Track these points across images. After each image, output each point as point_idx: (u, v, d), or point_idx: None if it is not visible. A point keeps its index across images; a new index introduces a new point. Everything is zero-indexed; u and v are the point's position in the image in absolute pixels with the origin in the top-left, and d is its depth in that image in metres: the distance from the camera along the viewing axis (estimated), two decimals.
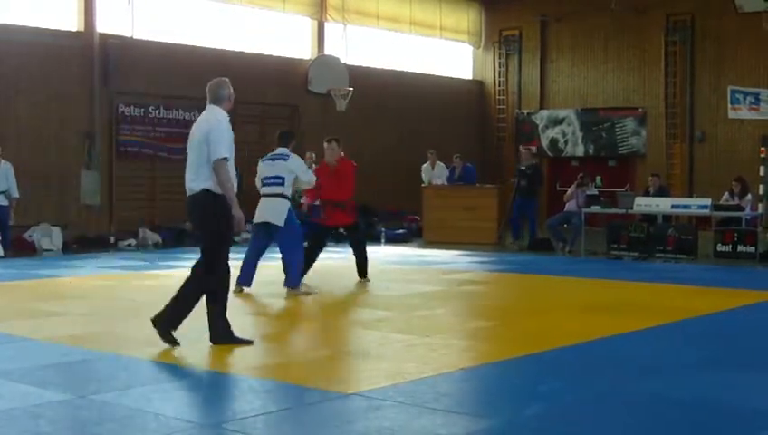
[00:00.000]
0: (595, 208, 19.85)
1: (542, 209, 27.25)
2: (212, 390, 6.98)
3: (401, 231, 22.78)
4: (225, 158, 8.26)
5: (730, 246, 17.84)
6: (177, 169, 21.77)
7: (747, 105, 25.02)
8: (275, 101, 23.68)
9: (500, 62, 29.89)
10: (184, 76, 21.81)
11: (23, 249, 18.50)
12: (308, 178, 12.68)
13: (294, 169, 12.43)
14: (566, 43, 28.79)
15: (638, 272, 15.70)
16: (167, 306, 8.51)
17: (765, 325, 10.60)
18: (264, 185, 12.47)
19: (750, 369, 8.00)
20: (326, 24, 25.52)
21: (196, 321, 9.56)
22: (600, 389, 7.18)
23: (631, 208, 19.10)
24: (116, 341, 8.96)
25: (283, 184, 12.34)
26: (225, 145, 8.29)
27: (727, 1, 25.07)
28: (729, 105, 25.24)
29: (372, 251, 19.47)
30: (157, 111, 21.53)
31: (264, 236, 12.57)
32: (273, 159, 12.52)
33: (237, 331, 8.64)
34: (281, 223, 12.25)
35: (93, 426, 6.01)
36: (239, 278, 12.21)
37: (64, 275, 14.68)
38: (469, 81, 30.33)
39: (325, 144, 13.63)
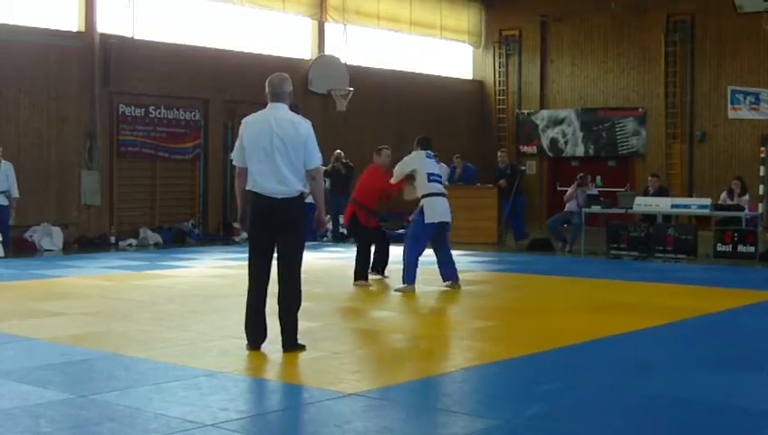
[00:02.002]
0: (595, 208, 19.87)
1: (543, 209, 27.32)
2: (212, 390, 6.99)
3: (402, 231, 22.73)
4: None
5: (730, 245, 17.85)
6: (177, 170, 22.11)
7: (747, 105, 25.05)
8: None
9: (500, 62, 29.88)
10: (184, 76, 21.84)
11: (23, 249, 18.52)
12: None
13: (444, 175, 13.23)
14: (566, 42, 28.79)
15: (638, 272, 15.70)
16: (282, 333, 8.38)
17: (765, 325, 10.61)
18: (433, 181, 12.82)
19: (750, 369, 8.01)
20: (326, 24, 25.52)
21: (195, 322, 9.56)
22: (600, 389, 7.19)
23: (631, 208, 19.12)
24: (116, 341, 8.98)
25: (442, 183, 13.02)
26: (318, 151, 8.43)
27: (727, 1, 25.07)
28: (729, 105, 25.29)
29: (372, 251, 19.51)
30: (157, 111, 21.52)
31: (432, 234, 12.90)
32: (432, 157, 13.06)
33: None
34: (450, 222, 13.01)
35: (94, 426, 6.03)
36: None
37: (65, 275, 14.68)
38: (469, 81, 30.33)
39: (388, 151, 13.95)
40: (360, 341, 9.22)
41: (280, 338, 8.33)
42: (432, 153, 13.12)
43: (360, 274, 13.56)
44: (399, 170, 13.13)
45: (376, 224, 13.88)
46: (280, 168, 8.18)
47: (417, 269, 12.73)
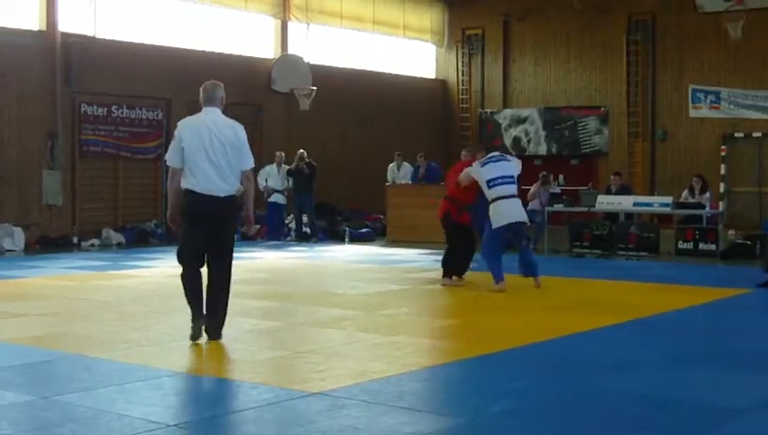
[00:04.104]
0: (558, 207, 19.97)
1: None
2: (175, 390, 6.97)
3: (365, 230, 22.77)
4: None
5: (691, 243, 18.01)
6: (140, 169, 21.97)
7: (708, 104, 25.29)
8: (238, 100, 23.49)
9: (463, 62, 29.94)
10: (147, 76, 21.72)
11: None
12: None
13: (519, 170, 13.20)
14: (529, 42, 28.90)
15: (601, 270, 15.79)
16: (212, 321, 8.78)
17: (727, 322, 10.69)
18: (496, 185, 12.77)
19: (712, 366, 8.08)
20: (289, 23, 25.47)
21: (158, 322, 9.52)
22: (565, 386, 7.22)
23: (594, 207, 19.21)
24: (79, 342, 8.92)
25: (515, 182, 12.92)
26: (251, 153, 8.98)
27: (688, 1, 25.29)
28: (690, 104, 25.53)
29: (336, 250, 19.52)
30: (119, 111, 21.40)
31: (506, 236, 13.04)
32: (497, 161, 13.01)
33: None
34: (527, 221, 13.09)
35: (56, 427, 5.98)
36: (499, 275, 12.72)
37: (26, 275, 14.56)
38: (432, 80, 30.38)
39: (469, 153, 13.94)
40: (324, 340, 9.21)
41: (244, 337, 8.32)
42: (497, 155, 13.15)
43: (450, 271, 13.55)
44: (465, 178, 13.20)
45: (467, 220, 13.73)
46: (223, 168, 8.69)
47: (501, 267, 12.78)
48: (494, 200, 12.79)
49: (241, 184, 8.89)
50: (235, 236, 9.03)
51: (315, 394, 6.77)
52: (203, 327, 8.74)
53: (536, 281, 13.01)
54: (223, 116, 8.91)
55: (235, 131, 8.81)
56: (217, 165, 8.63)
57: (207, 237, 8.76)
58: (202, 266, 8.87)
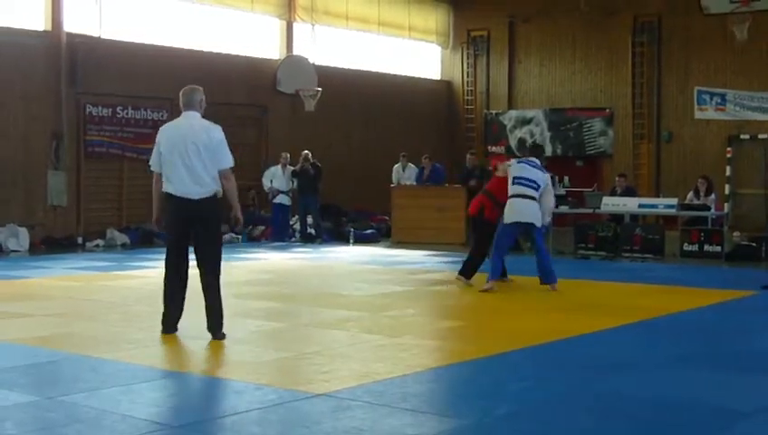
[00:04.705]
0: (563, 208, 19.93)
1: None
2: (180, 391, 6.96)
3: (370, 231, 22.76)
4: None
5: (696, 245, 17.99)
6: (144, 170, 21.62)
7: (714, 106, 25.24)
8: (244, 101, 23.62)
9: (468, 63, 29.91)
10: (152, 76, 21.71)
11: None
12: (552, 196, 13.56)
13: (548, 183, 13.30)
14: (534, 43, 28.86)
15: (606, 272, 15.77)
16: (210, 320, 9.03)
17: (732, 324, 10.69)
18: (518, 184, 12.97)
19: (716, 367, 8.08)
20: (295, 24, 25.46)
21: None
22: (569, 388, 7.22)
23: (599, 208, 19.21)
24: (83, 342, 8.92)
25: (537, 189, 12.97)
26: (230, 154, 9.12)
27: (694, 2, 25.25)
28: (696, 106, 25.48)
29: (340, 251, 19.52)
30: (125, 112, 21.39)
31: (514, 235, 13.48)
32: (530, 164, 13.18)
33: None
34: (539, 224, 13.04)
35: (61, 428, 5.98)
36: (493, 274, 13.03)
37: (31, 276, 14.57)
38: (437, 81, 30.36)
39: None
40: (328, 341, 9.21)
41: (248, 338, 8.32)
42: (534, 161, 13.23)
43: (467, 271, 13.62)
44: (502, 170, 13.50)
45: (495, 221, 13.68)
46: (197, 170, 8.90)
47: (499, 266, 13.07)
48: (510, 197, 12.98)
49: (222, 185, 9.07)
50: (224, 236, 9.24)
51: (320, 395, 6.77)
52: (175, 324, 9.17)
53: (551, 287, 13.03)
54: (200, 119, 9.16)
55: (209, 133, 9.01)
56: (191, 167, 8.86)
57: (185, 238, 9.07)
58: (183, 265, 9.11)
